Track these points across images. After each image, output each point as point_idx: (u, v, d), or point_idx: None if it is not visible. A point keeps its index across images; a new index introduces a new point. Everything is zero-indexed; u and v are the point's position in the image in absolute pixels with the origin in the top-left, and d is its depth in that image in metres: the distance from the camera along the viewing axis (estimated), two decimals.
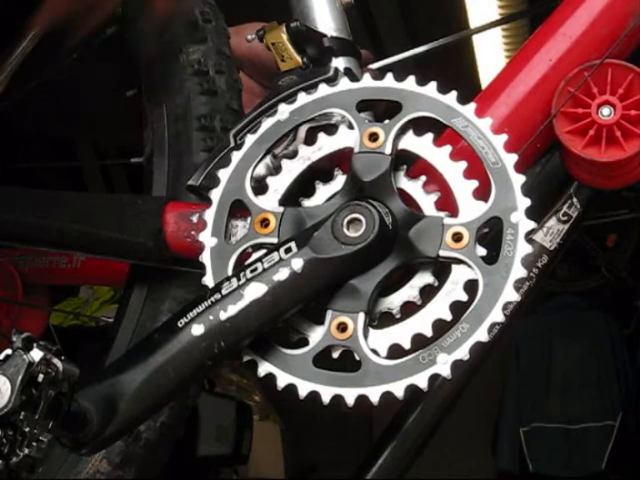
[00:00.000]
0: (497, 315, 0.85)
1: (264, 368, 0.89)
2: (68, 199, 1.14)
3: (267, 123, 0.97)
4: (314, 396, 0.87)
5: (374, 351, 0.87)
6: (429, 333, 0.87)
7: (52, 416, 0.80)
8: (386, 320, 0.90)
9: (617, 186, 1.04)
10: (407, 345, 0.88)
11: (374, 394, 0.86)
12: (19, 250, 1.74)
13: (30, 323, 1.76)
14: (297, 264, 0.87)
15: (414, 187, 0.92)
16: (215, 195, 0.95)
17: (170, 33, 1.15)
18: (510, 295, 0.85)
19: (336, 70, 1.04)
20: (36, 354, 0.79)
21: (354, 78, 0.98)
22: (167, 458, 1.14)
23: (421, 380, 0.85)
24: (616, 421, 3.99)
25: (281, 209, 0.93)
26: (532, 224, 0.86)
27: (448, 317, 0.87)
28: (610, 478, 4.00)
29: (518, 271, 0.85)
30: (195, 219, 1.02)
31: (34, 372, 0.78)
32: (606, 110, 0.97)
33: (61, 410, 0.81)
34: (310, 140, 0.97)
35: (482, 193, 0.89)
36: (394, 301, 0.90)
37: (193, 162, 1.12)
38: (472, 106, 0.92)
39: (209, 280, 0.92)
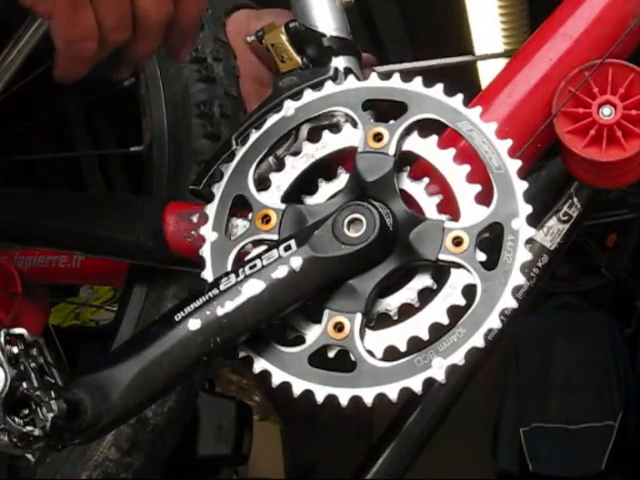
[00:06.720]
0: (494, 321, 0.85)
1: (260, 365, 0.89)
2: (68, 199, 1.14)
3: (272, 119, 0.97)
4: (308, 395, 0.87)
5: (370, 352, 0.87)
6: (425, 336, 0.87)
7: (48, 384, 0.83)
8: (383, 321, 0.90)
9: (617, 186, 1.04)
10: (403, 347, 0.88)
11: (368, 395, 0.86)
12: (19, 250, 1.73)
13: (30, 322, 1.76)
14: (296, 262, 0.87)
15: (417, 189, 0.92)
16: (217, 189, 0.95)
17: None
18: (508, 302, 0.85)
19: (336, 70, 1.04)
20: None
21: (360, 77, 0.98)
22: (176, 442, 1.14)
23: (415, 383, 0.85)
24: (616, 421, 3.99)
25: (283, 206, 0.93)
26: (533, 231, 0.86)
27: (445, 321, 0.87)
28: (610, 478, 4.00)
29: (517, 278, 0.85)
30: (195, 219, 1.02)
31: (9, 347, 0.82)
32: (607, 110, 0.97)
33: (52, 376, 0.84)
34: (312, 140, 0.97)
35: (483, 197, 0.89)
36: (392, 303, 0.90)
37: (193, 149, 1.12)
38: (478, 110, 0.91)
39: (208, 274, 0.92)
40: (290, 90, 1.03)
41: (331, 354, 0.89)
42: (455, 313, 0.87)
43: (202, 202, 1.00)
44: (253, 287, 0.87)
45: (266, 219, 0.93)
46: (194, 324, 0.87)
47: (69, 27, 0.83)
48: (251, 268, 0.88)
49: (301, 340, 0.90)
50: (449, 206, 0.90)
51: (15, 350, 0.82)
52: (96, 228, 1.07)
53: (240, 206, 0.95)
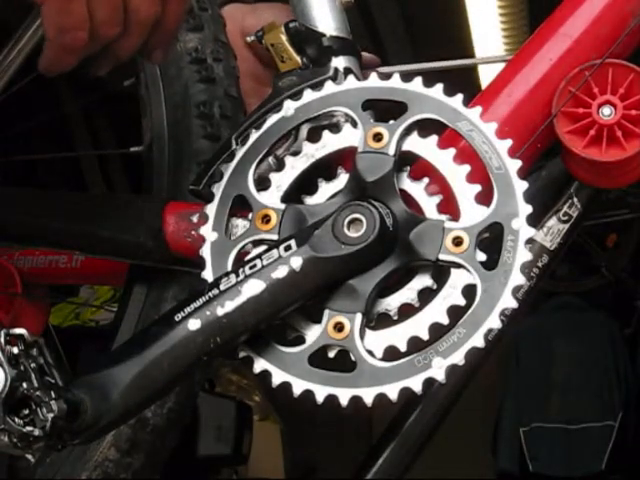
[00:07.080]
0: (494, 321, 0.85)
1: (260, 365, 0.89)
2: (68, 199, 1.14)
3: (272, 119, 0.97)
4: (308, 395, 0.87)
5: (370, 352, 0.87)
6: (425, 336, 0.87)
7: (48, 385, 0.83)
8: (383, 321, 0.90)
9: (617, 186, 1.04)
10: (403, 347, 0.88)
11: (368, 395, 0.86)
12: (19, 250, 1.73)
13: (30, 322, 1.76)
14: (296, 262, 0.87)
15: (417, 189, 0.92)
16: (217, 189, 0.95)
17: None
18: (508, 302, 0.85)
19: (336, 70, 1.04)
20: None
21: (360, 77, 0.98)
22: (176, 442, 1.14)
23: (415, 383, 0.85)
24: (616, 421, 3.99)
25: (283, 206, 0.93)
26: (533, 231, 0.86)
27: (445, 321, 0.87)
28: (610, 478, 4.00)
29: (517, 278, 0.85)
30: (195, 219, 1.02)
31: (9, 348, 0.82)
32: (607, 110, 0.97)
33: (52, 376, 0.84)
34: (312, 140, 0.97)
35: (483, 197, 0.89)
36: (392, 303, 0.90)
37: (193, 149, 1.13)
38: (478, 110, 0.91)
39: (208, 274, 0.92)
40: (290, 90, 1.03)
41: (331, 354, 0.89)
42: (455, 313, 0.87)
43: (202, 202, 1.00)
44: (253, 287, 0.87)
45: (266, 219, 0.93)
46: (194, 324, 0.87)
47: (61, 14, 0.84)
48: (251, 268, 0.88)
49: (301, 340, 0.90)
50: (449, 206, 0.90)
51: (15, 350, 0.82)
52: (96, 228, 1.07)
53: (240, 206, 0.95)
